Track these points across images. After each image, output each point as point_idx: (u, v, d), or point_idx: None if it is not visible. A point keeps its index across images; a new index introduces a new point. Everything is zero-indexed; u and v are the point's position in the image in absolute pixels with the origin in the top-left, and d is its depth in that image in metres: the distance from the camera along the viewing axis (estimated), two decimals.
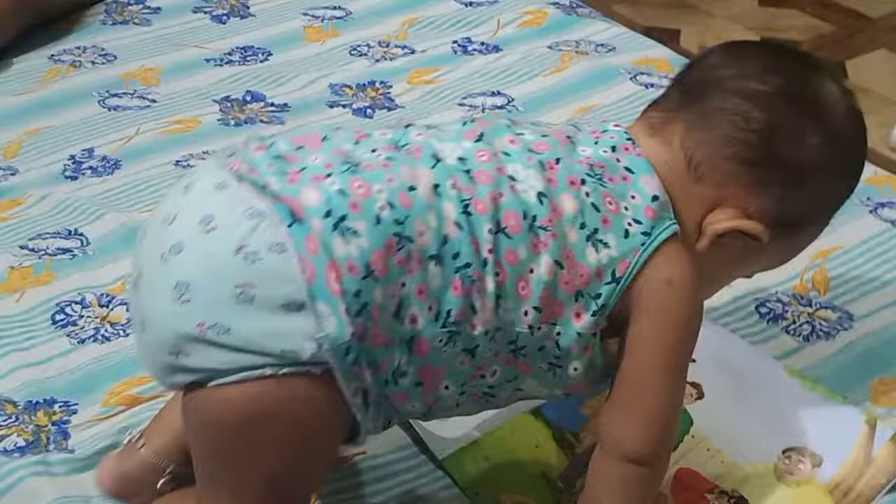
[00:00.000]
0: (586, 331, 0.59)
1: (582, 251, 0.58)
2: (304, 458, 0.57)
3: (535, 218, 0.57)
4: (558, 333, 0.59)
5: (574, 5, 1.46)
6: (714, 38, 2.63)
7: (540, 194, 0.58)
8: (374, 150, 0.58)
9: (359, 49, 1.33)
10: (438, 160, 0.58)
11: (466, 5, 1.43)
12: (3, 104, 1.21)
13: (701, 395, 0.79)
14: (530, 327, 0.58)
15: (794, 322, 0.88)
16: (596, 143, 0.62)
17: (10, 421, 0.79)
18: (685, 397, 0.77)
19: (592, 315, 0.59)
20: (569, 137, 0.63)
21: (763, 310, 0.89)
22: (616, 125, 0.65)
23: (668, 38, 2.66)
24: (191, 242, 0.54)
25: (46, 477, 0.73)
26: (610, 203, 0.59)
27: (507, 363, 0.60)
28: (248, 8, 1.43)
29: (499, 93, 1.22)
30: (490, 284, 0.56)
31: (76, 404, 0.80)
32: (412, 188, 0.56)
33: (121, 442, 0.76)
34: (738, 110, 0.62)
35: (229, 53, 1.32)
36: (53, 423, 0.79)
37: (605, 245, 0.59)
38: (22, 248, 0.97)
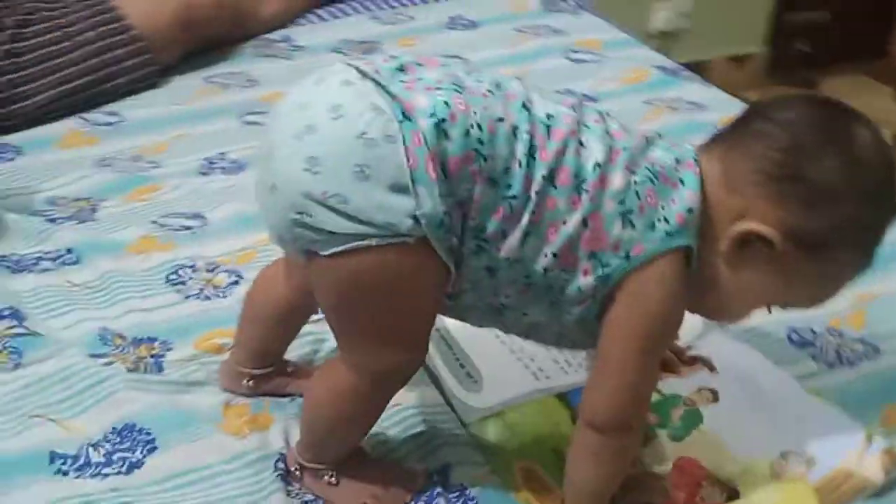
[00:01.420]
0: (586, 289, 0.68)
1: (611, 221, 0.67)
2: (413, 307, 0.69)
3: (583, 181, 0.67)
4: (565, 280, 0.68)
5: (678, 70, 1.56)
6: None
7: (596, 164, 0.67)
8: (479, 81, 0.68)
9: None
10: (527, 109, 0.67)
11: (575, 62, 1.56)
12: (161, 112, 1.42)
13: (716, 399, 0.86)
14: (545, 269, 0.68)
15: (822, 350, 0.93)
16: (667, 149, 0.71)
17: (117, 351, 0.94)
18: (702, 399, 0.84)
19: (596, 278, 0.68)
20: (647, 139, 0.72)
21: (794, 336, 0.94)
22: (691, 144, 0.73)
23: None
24: (322, 125, 0.65)
25: (143, 392, 0.88)
26: (650, 197, 0.68)
27: (519, 293, 0.70)
28: (379, 53, 1.61)
29: None
30: (525, 220, 0.66)
31: (172, 344, 0.95)
32: (500, 119, 0.66)
33: (203, 378, 0.90)
34: (770, 133, 0.68)
35: None
36: (152, 356, 0.94)
37: (632, 226, 0.67)
38: (153, 222, 1.15)
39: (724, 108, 1.41)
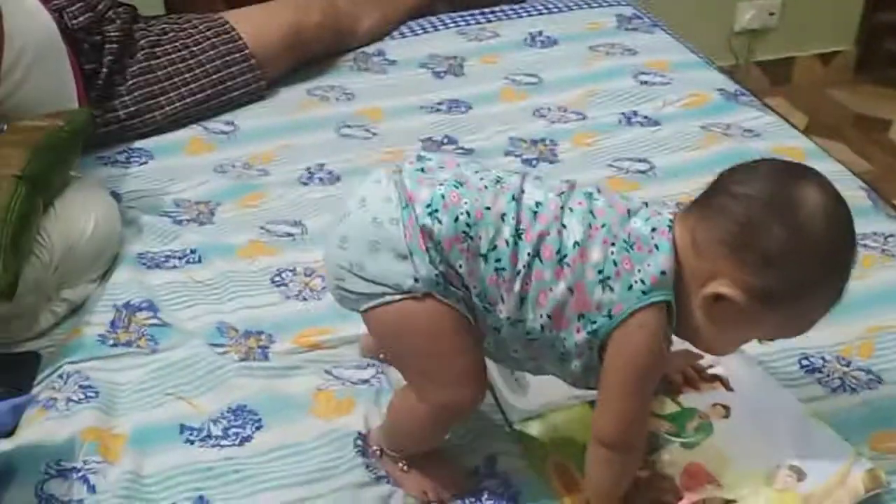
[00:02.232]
0: (581, 343, 0.84)
1: (593, 288, 0.82)
2: (443, 349, 0.86)
3: (565, 256, 0.83)
4: (563, 338, 0.85)
5: (738, 92, 1.66)
6: None
7: (576, 243, 0.83)
8: (481, 179, 0.86)
9: (541, 111, 1.62)
10: (516, 199, 0.85)
11: (642, 83, 1.68)
12: (269, 122, 1.62)
13: (727, 415, 1.00)
14: (542, 327, 0.84)
15: (828, 376, 1.06)
16: (646, 220, 0.84)
17: (231, 342, 1.15)
18: (715, 414, 0.99)
19: (587, 334, 0.84)
20: (629, 210, 0.85)
21: (805, 362, 1.08)
22: (670, 212, 0.86)
23: (877, 127, 2.74)
24: (352, 213, 0.87)
25: (251, 378, 1.08)
26: (626, 263, 0.82)
27: (525, 347, 0.87)
28: (462, 68, 1.76)
29: (645, 160, 1.47)
30: (517, 287, 0.83)
31: (276, 337, 1.15)
32: (488, 208, 0.84)
33: (300, 369, 1.10)
34: (729, 207, 0.81)
35: (439, 103, 1.65)
36: (259, 347, 1.14)
37: (612, 290, 0.82)
38: (261, 228, 1.35)
39: (776, 136, 1.52)
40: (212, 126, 1.61)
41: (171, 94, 1.59)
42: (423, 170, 0.88)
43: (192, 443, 1.01)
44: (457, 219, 0.83)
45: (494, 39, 1.85)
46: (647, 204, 0.88)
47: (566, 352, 0.86)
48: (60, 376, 1.08)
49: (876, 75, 2.97)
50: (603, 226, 0.84)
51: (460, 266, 0.83)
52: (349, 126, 1.59)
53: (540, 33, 1.87)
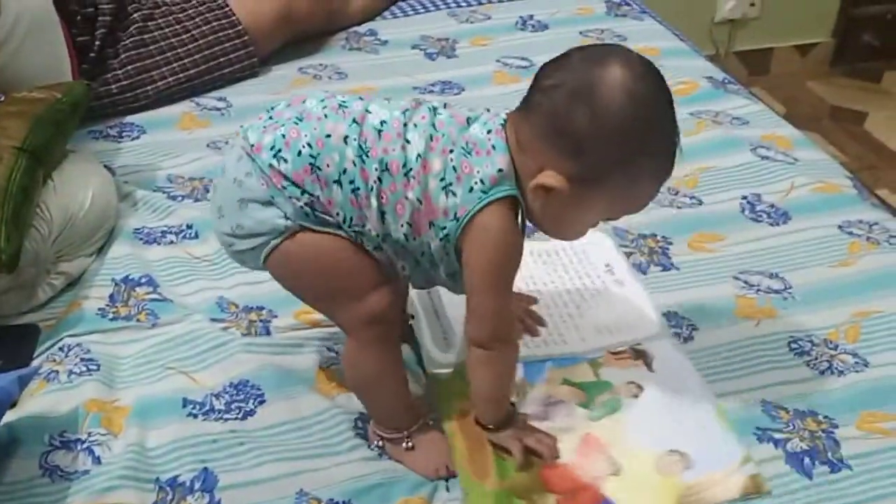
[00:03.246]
0: (437, 249, 0.89)
1: (437, 196, 0.87)
2: (333, 266, 0.90)
3: (410, 169, 0.87)
4: (426, 244, 0.89)
5: (726, 81, 1.69)
6: None
7: (418, 155, 0.87)
8: (323, 108, 0.89)
9: None
10: (357, 122, 0.87)
11: None
12: (262, 99, 1.61)
13: (637, 395, 1.03)
14: (405, 236, 0.89)
15: (816, 359, 1.09)
16: (483, 124, 0.88)
17: (232, 317, 1.15)
18: (627, 391, 1.03)
19: (440, 240, 0.88)
20: (468, 119, 0.89)
21: (794, 345, 1.11)
22: (506, 113, 0.90)
23: (853, 119, 2.79)
24: (217, 182, 0.92)
25: (253, 354, 1.09)
26: (466, 168, 0.86)
27: (404, 259, 0.91)
28: (454, 50, 1.77)
29: None
30: (374, 202, 0.87)
31: (276, 312, 1.16)
32: (328, 136, 0.87)
33: (302, 345, 1.11)
34: (540, 103, 0.86)
35: (432, 84, 1.66)
36: (260, 321, 1.14)
37: (454, 195, 0.86)
38: None
39: (764, 124, 1.55)
40: (204, 102, 1.61)
41: (164, 69, 1.58)
42: (271, 117, 0.90)
43: (194, 416, 1.01)
44: (300, 153, 0.87)
45: (486, 22, 1.87)
46: (488, 109, 0.92)
47: (433, 259, 0.91)
48: (61, 349, 1.08)
49: (853, 68, 3.03)
50: (443, 136, 0.88)
51: (319, 196, 0.87)
52: None
53: (531, 17, 1.88)
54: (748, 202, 1.35)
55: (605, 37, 1.81)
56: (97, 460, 0.95)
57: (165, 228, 1.29)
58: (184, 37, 1.60)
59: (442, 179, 0.87)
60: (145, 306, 1.15)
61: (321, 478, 0.95)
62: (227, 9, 1.65)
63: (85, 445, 0.97)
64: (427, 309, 1.13)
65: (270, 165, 0.86)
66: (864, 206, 1.35)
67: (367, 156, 0.87)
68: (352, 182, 0.87)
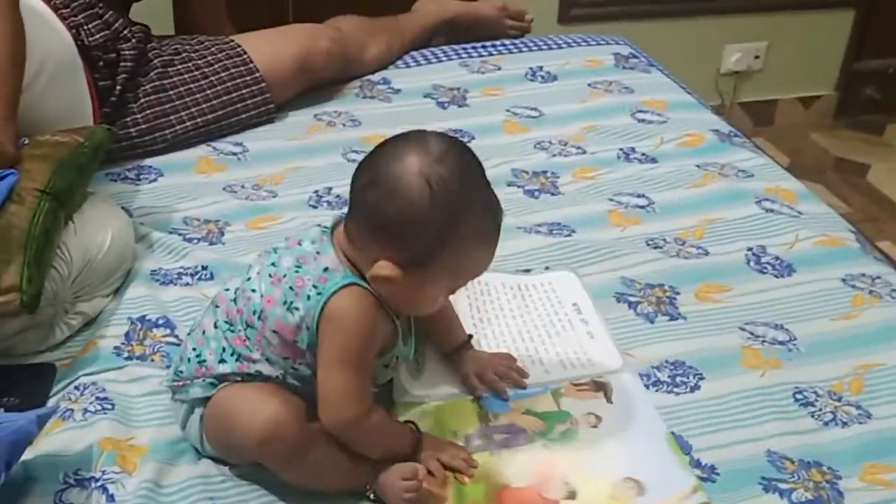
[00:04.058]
0: (309, 356, 0.96)
1: (286, 318, 0.95)
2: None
3: (259, 311, 0.97)
4: (306, 365, 0.97)
5: (732, 134, 1.73)
6: None
7: (261, 295, 0.97)
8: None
9: (542, 144, 1.67)
10: (217, 304, 1.02)
11: (639, 122, 1.74)
12: (277, 145, 1.66)
13: (596, 425, 1.07)
14: (285, 359, 0.97)
15: (821, 410, 1.11)
16: (311, 240, 0.98)
17: None
18: (585, 422, 1.07)
19: (308, 349, 0.95)
20: (300, 241, 0.99)
21: (799, 396, 1.12)
22: (324, 225, 0.99)
23: (856, 171, 2.83)
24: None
25: None
26: (299, 282, 0.95)
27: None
28: (465, 100, 1.81)
29: (643, 195, 1.52)
30: (256, 355, 0.97)
31: None
32: (203, 332, 1.02)
33: None
34: (355, 201, 0.95)
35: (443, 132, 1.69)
36: None
37: (297, 308, 0.94)
38: None
39: (769, 177, 1.58)
40: (221, 147, 1.64)
41: (182, 114, 1.62)
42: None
43: (205, 456, 1.03)
44: (189, 359, 1.02)
45: (497, 72, 1.91)
46: (318, 225, 1.00)
47: (312, 371, 0.97)
48: (77, 387, 1.10)
49: (855, 120, 3.08)
50: (279, 268, 0.98)
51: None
52: (356, 151, 1.63)
53: (540, 68, 1.93)
54: (753, 254, 1.37)
55: (613, 88, 1.86)
56: (111, 498, 0.97)
57: (181, 270, 1.32)
58: (202, 83, 1.64)
59: (284, 303, 0.95)
60: (160, 348, 1.17)
61: None
62: (245, 56, 1.69)
63: (99, 483, 0.98)
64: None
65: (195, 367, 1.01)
66: (867, 260, 1.38)
67: (232, 325, 0.99)
68: (234, 353, 0.98)
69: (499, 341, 1.19)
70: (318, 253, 0.96)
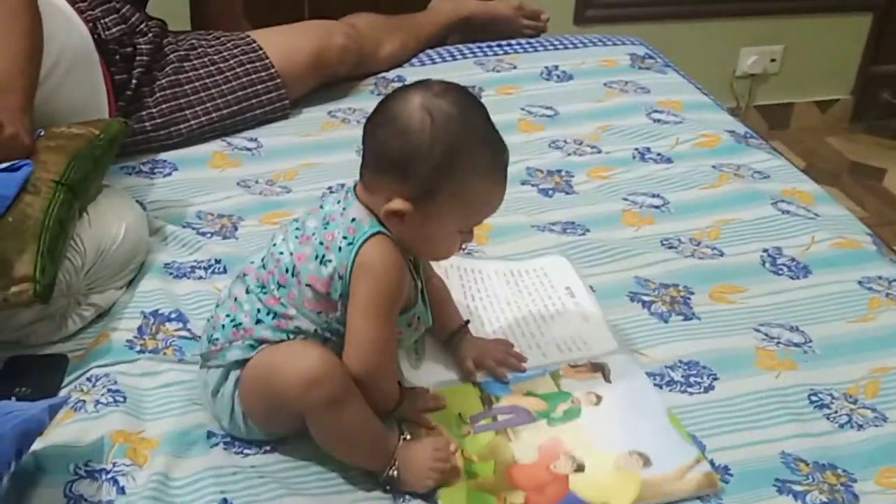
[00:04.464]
0: (344, 314, 0.98)
1: (319, 271, 0.98)
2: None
3: (290, 268, 0.99)
4: (337, 319, 0.99)
5: (748, 135, 1.72)
6: None
7: (290, 253, 1.00)
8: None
9: (557, 143, 1.66)
10: (246, 273, 1.04)
11: (654, 122, 1.73)
12: (291, 141, 1.66)
13: (598, 403, 1.08)
14: (318, 313, 0.99)
15: (836, 412, 1.10)
16: (334, 198, 1.02)
17: None
18: (587, 400, 1.08)
19: (340, 299, 0.98)
20: (322, 202, 1.04)
21: (814, 398, 1.11)
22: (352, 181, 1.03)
23: (872, 175, 2.81)
24: None
25: None
26: (329, 237, 0.98)
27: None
28: (480, 98, 1.79)
29: (658, 195, 1.51)
30: (293, 311, 0.99)
31: None
32: (235, 299, 1.04)
33: None
34: (366, 149, 1.00)
35: None
36: None
37: (330, 261, 0.97)
38: None
39: (785, 179, 1.57)
40: (235, 142, 1.64)
41: (197, 109, 1.62)
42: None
43: (216, 446, 1.03)
44: (222, 326, 1.04)
45: (512, 71, 1.90)
46: (342, 185, 1.04)
47: (342, 321, 0.99)
48: (89, 379, 1.10)
49: (871, 124, 3.06)
50: (307, 229, 1.01)
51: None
52: None
53: (556, 67, 1.92)
54: (769, 255, 1.36)
55: (629, 88, 1.85)
56: (121, 490, 0.97)
57: (195, 263, 1.32)
58: (217, 78, 1.65)
59: (316, 257, 0.98)
60: (173, 342, 1.17)
61: None
62: (260, 52, 1.69)
63: (110, 475, 0.98)
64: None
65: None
66: (883, 262, 1.36)
67: (265, 287, 1.01)
68: (269, 312, 1.00)
69: (494, 328, 1.20)
70: (343, 209, 1.00)
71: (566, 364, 1.13)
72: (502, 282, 1.27)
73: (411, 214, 0.97)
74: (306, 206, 1.43)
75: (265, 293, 1.01)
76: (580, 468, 1.00)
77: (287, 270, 1.00)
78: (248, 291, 1.02)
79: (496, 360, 1.13)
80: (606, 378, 1.11)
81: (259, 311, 1.00)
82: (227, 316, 1.03)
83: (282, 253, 1.01)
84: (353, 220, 0.98)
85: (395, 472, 0.98)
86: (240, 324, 1.01)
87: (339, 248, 0.97)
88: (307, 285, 0.98)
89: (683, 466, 1.00)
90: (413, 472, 0.98)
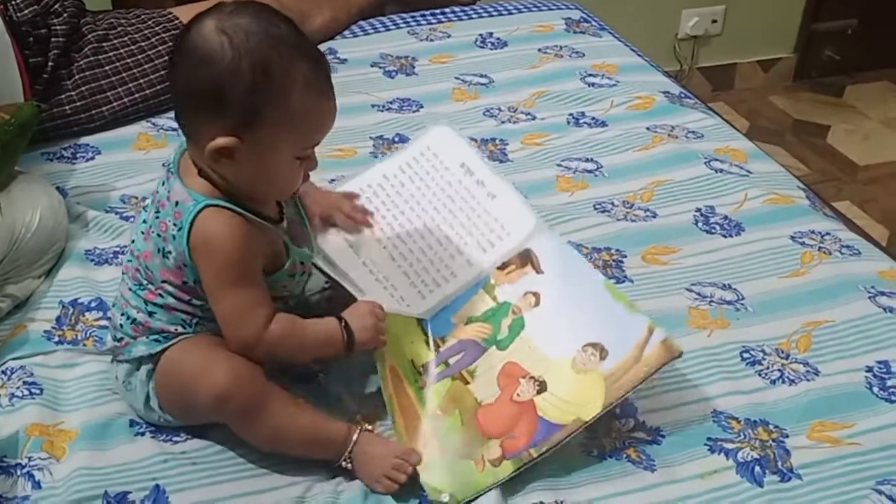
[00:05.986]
0: (201, 293, 0.96)
1: (165, 264, 0.96)
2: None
3: (144, 268, 0.98)
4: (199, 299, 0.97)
5: (682, 95, 1.71)
6: (863, 139, 2.76)
7: (140, 252, 0.99)
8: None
9: (491, 111, 1.64)
10: (125, 273, 1.02)
11: (590, 85, 1.71)
12: None
13: (538, 303, 1.05)
14: (189, 301, 0.97)
15: (768, 368, 1.09)
16: (161, 183, 0.98)
17: None
18: (526, 304, 1.05)
19: (196, 284, 0.95)
20: (156, 191, 0.99)
21: (746, 355, 1.11)
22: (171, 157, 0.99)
23: (816, 132, 2.82)
24: None
25: None
26: (162, 227, 0.95)
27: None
28: (413, 68, 1.77)
29: (591, 160, 1.49)
30: (170, 300, 0.98)
31: None
32: (123, 296, 1.02)
33: None
34: (173, 93, 0.98)
35: (391, 102, 1.66)
36: None
37: (170, 252, 0.95)
38: None
39: (719, 137, 1.56)
40: (161, 122, 1.60)
41: (119, 90, 1.57)
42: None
43: (142, 435, 1.00)
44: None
45: (445, 40, 1.87)
46: (165, 179, 0.98)
47: (204, 301, 0.97)
48: (4, 372, 1.06)
49: (814, 82, 3.07)
50: (147, 223, 0.99)
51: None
52: None
53: (490, 35, 1.89)
54: (702, 214, 1.35)
55: (564, 53, 1.82)
56: (37, 485, 0.94)
57: (117, 248, 1.28)
58: (139, 57, 1.59)
59: (159, 251, 0.96)
60: (93, 332, 1.13)
61: (279, 496, 0.95)
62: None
63: (25, 470, 0.95)
64: (326, 262, 1.11)
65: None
66: (817, 217, 1.36)
67: (140, 284, 0.99)
68: (154, 305, 0.98)
69: (410, 246, 1.14)
70: (168, 192, 0.96)
71: (495, 269, 1.09)
72: (396, 186, 1.20)
73: (240, 149, 0.91)
74: None
75: (142, 289, 0.99)
76: (542, 387, 0.98)
77: (145, 268, 0.98)
78: (130, 290, 1.00)
79: (345, 214, 1.13)
80: (537, 269, 1.08)
81: (147, 303, 0.98)
82: (123, 315, 1.01)
83: (139, 250, 0.99)
84: (177, 203, 0.94)
85: (349, 465, 0.96)
86: (135, 320, 0.99)
87: (174, 237, 0.94)
88: (164, 281, 0.97)
89: (640, 342, 0.97)
90: (367, 472, 0.95)
